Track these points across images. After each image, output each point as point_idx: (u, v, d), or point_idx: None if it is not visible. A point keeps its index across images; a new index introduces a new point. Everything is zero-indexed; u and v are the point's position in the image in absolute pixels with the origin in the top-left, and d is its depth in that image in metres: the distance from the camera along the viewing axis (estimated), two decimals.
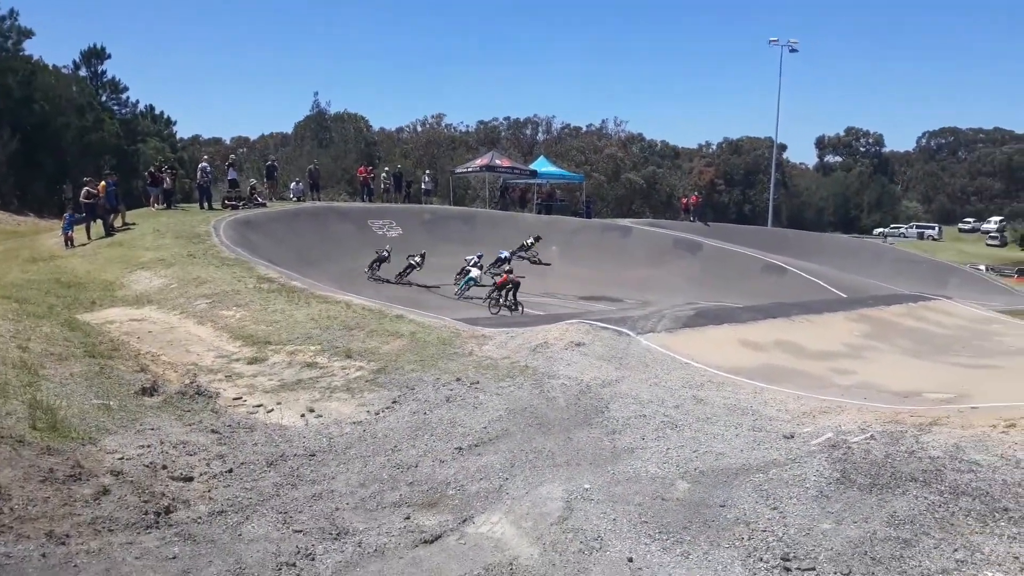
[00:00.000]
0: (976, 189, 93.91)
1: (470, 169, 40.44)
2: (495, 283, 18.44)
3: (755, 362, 9.59)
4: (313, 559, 5.00)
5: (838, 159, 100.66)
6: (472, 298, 19.54)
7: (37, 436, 6.38)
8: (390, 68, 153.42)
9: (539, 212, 36.49)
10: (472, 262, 21.15)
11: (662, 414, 7.43)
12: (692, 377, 8.63)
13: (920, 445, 6.07)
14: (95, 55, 48.55)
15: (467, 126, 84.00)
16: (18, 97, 39.13)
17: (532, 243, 27.30)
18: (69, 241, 20.52)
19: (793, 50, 51.59)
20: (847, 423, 6.84)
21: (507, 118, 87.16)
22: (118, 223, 22.22)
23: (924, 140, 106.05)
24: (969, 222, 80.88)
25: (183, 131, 70.80)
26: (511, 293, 17.24)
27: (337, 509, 5.83)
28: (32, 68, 41.58)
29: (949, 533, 4.73)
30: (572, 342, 9.86)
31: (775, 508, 5.30)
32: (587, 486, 5.84)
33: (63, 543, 4.88)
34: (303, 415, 8.04)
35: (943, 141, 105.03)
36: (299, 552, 5.06)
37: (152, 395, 8.33)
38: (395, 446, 7.10)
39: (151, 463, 6.44)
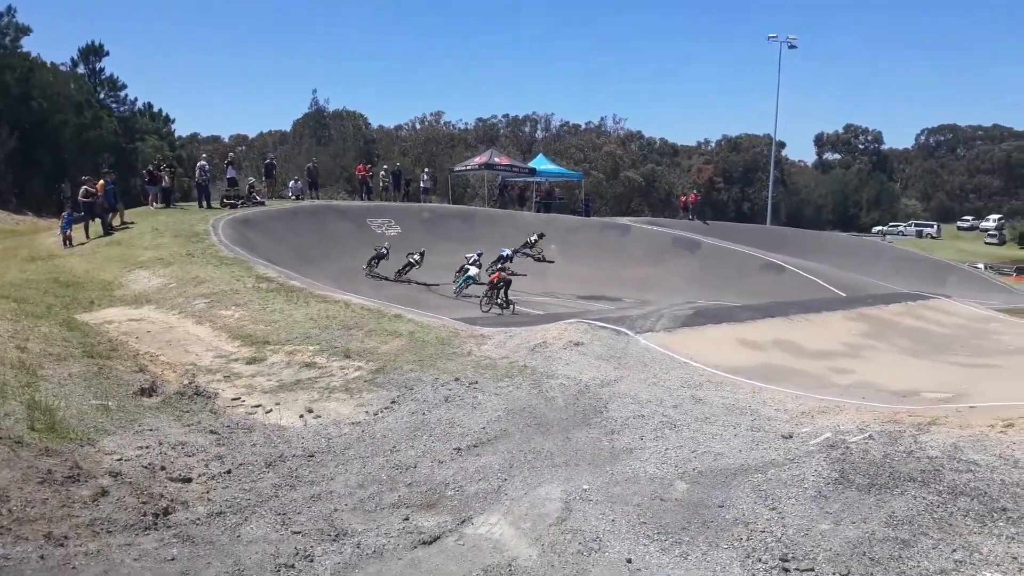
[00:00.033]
0: (975, 187, 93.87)
1: (469, 167, 40.40)
2: (489, 281, 18.48)
3: (753, 361, 9.60)
4: (312, 560, 5.00)
5: (837, 156, 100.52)
6: (470, 296, 19.52)
7: (35, 437, 6.38)
8: (389, 66, 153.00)
9: (538, 210, 36.45)
10: (472, 260, 21.13)
11: (661, 414, 7.44)
12: (691, 377, 8.64)
13: (918, 445, 6.07)
14: (93, 52, 48.45)
15: (466, 124, 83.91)
16: (16, 95, 39.04)
17: (536, 240, 27.37)
18: (67, 240, 20.48)
19: (792, 47, 51.52)
20: (845, 423, 6.85)
21: (506, 116, 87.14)
22: (116, 222, 22.18)
23: (923, 137, 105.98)
24: (968, 220, 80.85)
25: (181, 129, 70.60)
26: (502, 291, 17.31)
27: (336, 510, 5.83)
28: (30, 65, 41.46)
29: (947, 533, 4.73)
30: (571, 342, 9.86)
31: (774, 508, 5.30)
32: (586, 487, 5.84)
33: (61, 545, 4.88)
34: (302, 415, 8.04)
35: (942, 138, 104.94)
36: (298, 553, 5.06)
37: (151, 395, 8.33)
38: (394, 447, 7.10)
39: (150, 464, 6.44)
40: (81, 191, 22.12)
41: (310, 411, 8.15)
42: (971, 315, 15.64)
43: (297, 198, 30.46)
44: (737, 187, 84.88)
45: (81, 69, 48.07)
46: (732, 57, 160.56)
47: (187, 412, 7.96)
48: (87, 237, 21.02)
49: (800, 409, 7.44)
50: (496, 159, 38.38)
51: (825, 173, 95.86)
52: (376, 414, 8.01)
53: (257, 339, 10.96)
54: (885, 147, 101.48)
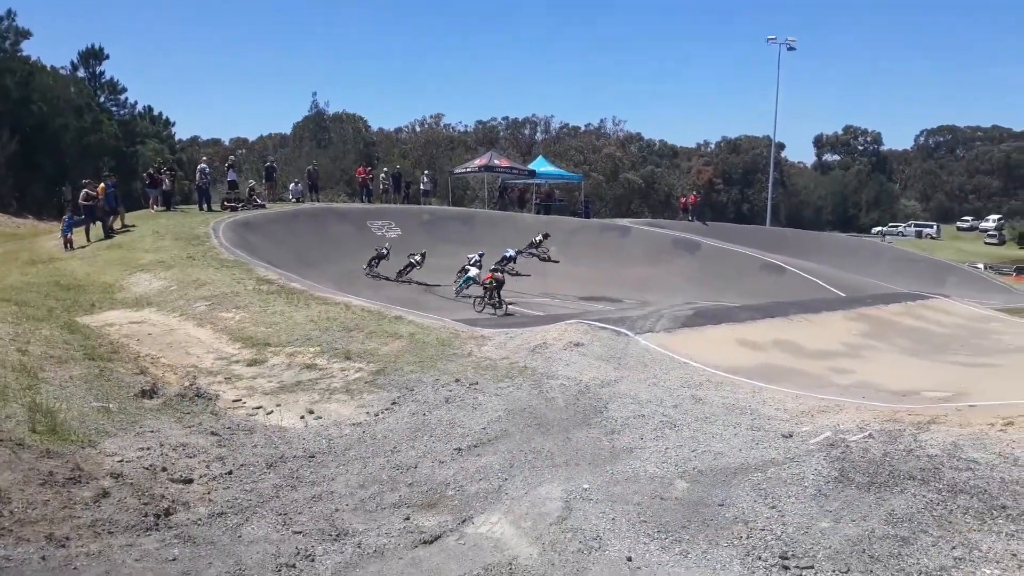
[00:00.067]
0: (974, 187, 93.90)
1: (469, 169, 40.43)
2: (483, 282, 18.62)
3: (753, 361, 9.61)
4: (313, 560, 5.01)
5: (836, 158, 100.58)
6: (471, 297, 19.53)
7: (37, 439, 6.39)
8: (389, 68, 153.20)
9: (538, 212, 36.51)
10: (473, 261, 21.15)
11: (661, 414, 7.45)
12: (691, 377, 8.65)
13: (918, 443, 6.09)
14: (93, 56, 48.51)
15: (466, 126, 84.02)
16: (16, 98, 39.09)
17: (541, 240, 27.58)
18: (68, 243, 20.51)
19: (791, 48, 51.58)
20: (845, 422, 6.86)
21: (506, 118, 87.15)
22: (117, 225, 22.21)
23: (922, 138, 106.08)
24: (967, 220, 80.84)
25: (182, 132, 70.85)
26: (495, 292, 17.47)
27: (337, 510, 5.84)
28: (30, 69, 41.52)
29: (947, 531, 4.75)
30: (571, 342, 9.87)
31: (773, 507, 5.31)
32: (586, 486, 5.85)
33: (63, 546, 4.89)
34: (302, 417, 8.06)
35: (941, 139, 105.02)
36: (299, 553, 5.07)
37: (152, 397, 8.34)
38: (394, 447, 7.11)
39: (151, 465, 6.45)
40: (82, 194, 22.15)
41: (311, 412, 8.17)
42: (971, 315, 15.65)
43: (297, 201, 30.48)
44: (736, 188, 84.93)
45: (81, 73, 48.18)
46: (731, 59, 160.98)
47: (188, 414, 7.98)
48: (88, 240, 21.05)
49: (800, 408, 7.45)
50: (496, 161, 38.43)
51: (824, 174, 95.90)
52: (377, 415, 8.02)
53: (258, 341, 10.97)
54: (884, 148, 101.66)
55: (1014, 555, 4.41)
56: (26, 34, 42.63)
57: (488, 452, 6.81)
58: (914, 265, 34.35)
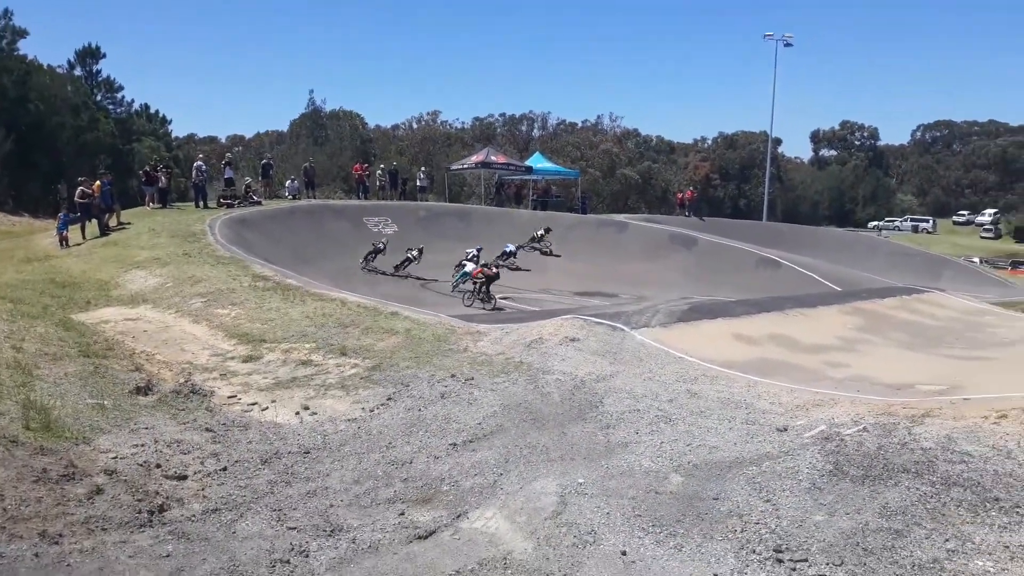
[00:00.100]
0: (970, 182, 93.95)
1: (466, 166, 40.37)
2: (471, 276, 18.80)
3: (749, 356, 9.62)
4: (307, 556, 5.00)
5: (833, 153, 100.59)
6: (467, 292, 19.57)
7: (30, 436, 6.38)
8: (386, 65, 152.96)
9: (535, 208, 36.48)
10: (470, 255, 21.18)
11: (656, 408, 7.45)
12: (686, 371, 8.66)
13: (912, 437, 6.10)
14: (90, 54, 48.28)
15: (463, 123, 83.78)
16: (13, 97, 38.93)
17: (543, 234, 27.69)
18: (64, 241, 20.46)
19: (788, 44, 51.31)
20: (840, 416, 6.87)
21: (503, 114, 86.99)
22: (113, 222, 22.15)
23: (919, 133, 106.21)
24: (963, 215, 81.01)
25: (178, 130, 70.79)
26: (483, 286, 17.60)
27: (331, 506, 5.84)
28: (27, 68, 41.32)
29: (940, 523, 4.76)
30: (566, 337, 9.87)
31: (768, 500, 5.32)
32: (581, 480, 5.86)
33: (56, 543, 4.89)
34: (297, 413, 8.04)
35: (937, 134, 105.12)
36: (293, 549, 5.07)
37: (146, 394, 8.33)
38: (389, 443, 7.11)
39: (145, 462, 6.44)
40: (77, 192, 22.05)
41: (306, 408, 8.16)
42: (965, 308, 15.68)
43: (294, 198, 30.43)
44: (733, 184, 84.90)
45: (78, 71, 47.90)
46: (728, 55, 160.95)
47: (183, 410, 7.97)
48: (83, 238, 21.00)
49: (795, 402, 7.45)
50: (493, 157, 38.37)
51: (821, 169, 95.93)
52: (372, 411, 8.01)
53: (253, 337, 10.96)
54: (881, 143, 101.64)
55: (1007, 547, 4.43)
56: (23, 33, 42.46)
57: (483, 447, 6.81)
58: (910, 259, 34.45)
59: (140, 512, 5.50)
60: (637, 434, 6.84)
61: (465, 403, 7.96)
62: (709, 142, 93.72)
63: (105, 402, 7.76)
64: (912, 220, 75.09)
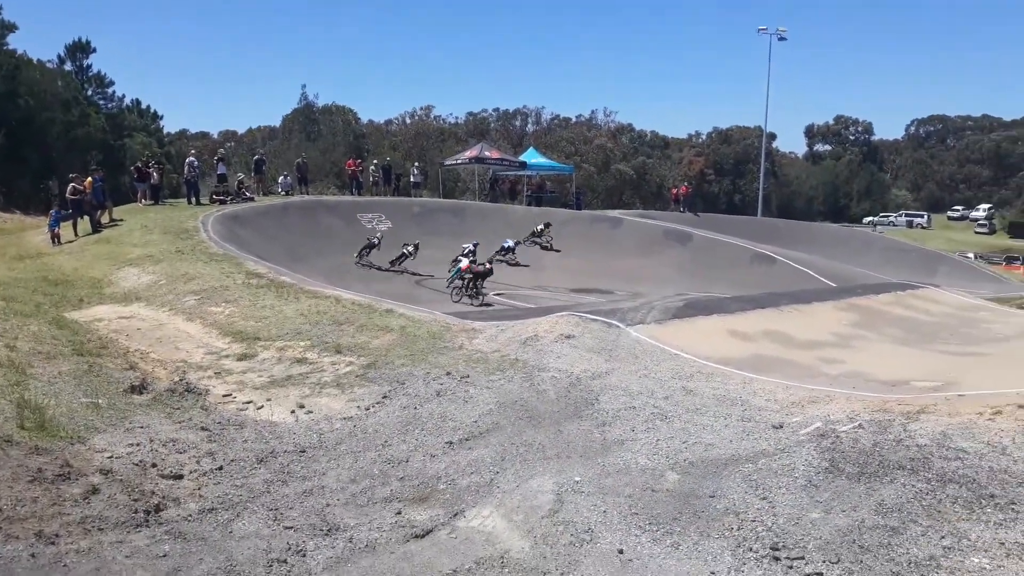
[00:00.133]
0: (965, 177, 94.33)
1: (459, 161, 40.32)
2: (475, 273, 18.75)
3: (744, 352, 9.63)
4: (304, 555, 5.00)
5: (827, 148, 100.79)
6: (455, 287, 19.55)
7: (25, 436, 6.35)
8: (379, 60, 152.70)
9: (529, 204, 36.46)
10: (466, 251, 21.15)
11: (652, 405, 7.46)
12: (681, 368, 8.67)
13: (908, 433, 6.12)
14: (80, 49, 47.94)
15: (456, 118, 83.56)
16: (2, 92, 38.60)
17: (543, 229, 27.73)
18: (56, 238, 20.37)
19: (782, 39, 51.38)
20: (835, 412, 6.89)
21: (496, 109, 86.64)
22: (105, 219, 22.07)
23: (913, 128, 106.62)
24: (958, 210, 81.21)
25: (170, 125, 69.99)
26: (472, 283, 17.63)
27: (328, 505, 5.83)
28: (16, 63, 40.99)
29: (936, 520, 4.78)
30: (562, 335, 9.87)
31: (764, 498, 5.33)
32: (577, 478, 5.86)
33: (52, 543, 4.87)
34: (293, 411, 8.03)
35: (932, 129, 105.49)
36: (290, 548, 5.06)
37: (141, 393, 8.30)
38: (385, 441, 7.10)
39: (141, 461, 6.42)
40: (69, 188, 21.98)
41: (301, 407, 8.14)
42: (960, 304, 15.73)
43: (287, 194, 30.32)
44: (728, 179, 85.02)
45: (68, 66, 47.56)
46: (722, 49, 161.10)
47: (178, 409, 7.94)
48: (75, 235, 20.91)
49: (790, 399, 7.47)
50: (487, 153, 38.31)
51: (816, 164, 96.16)
52: (368, 409, 8.00)
53: (248, 335, 10.93)
54: (875, 138, 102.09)
55: (1002, 543, 4.45)
56: (12, 27, 42.11)
57: (479, 445, 6.81)
58: (905, 255, 34.51)
59: (136, 512, 5.48)
60: (633, 432, 6.85)
61: (461, 401, 7.96)
62: (704, 137, 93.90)
63: (100, 401, 7.72)
64: (907, 216, 75.24)
